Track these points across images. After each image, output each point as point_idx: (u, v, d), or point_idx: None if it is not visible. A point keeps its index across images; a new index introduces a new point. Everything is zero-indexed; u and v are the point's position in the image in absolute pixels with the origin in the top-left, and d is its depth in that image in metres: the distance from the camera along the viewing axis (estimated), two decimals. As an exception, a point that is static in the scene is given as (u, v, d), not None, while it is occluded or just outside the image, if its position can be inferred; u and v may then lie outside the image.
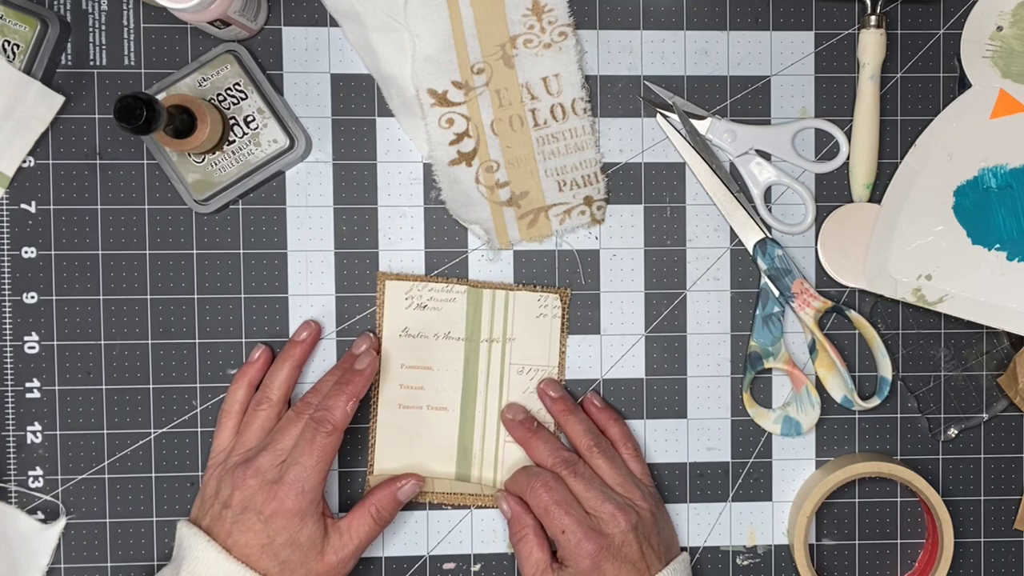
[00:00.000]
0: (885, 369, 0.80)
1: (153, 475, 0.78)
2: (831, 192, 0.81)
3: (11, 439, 0.77)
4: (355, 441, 0.79)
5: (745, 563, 0.81)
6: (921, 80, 0.81)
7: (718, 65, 0.80)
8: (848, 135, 0.80)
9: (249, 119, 0.76)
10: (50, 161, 0.77)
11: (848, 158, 0.80)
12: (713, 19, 0.80)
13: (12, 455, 0.77)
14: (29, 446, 0.77)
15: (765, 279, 0.80)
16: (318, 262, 0.79)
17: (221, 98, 0.75)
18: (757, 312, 0.80)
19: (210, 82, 0.75)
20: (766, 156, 0.80)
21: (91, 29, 0.77)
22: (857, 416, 0.81)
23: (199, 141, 0.72)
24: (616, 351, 0.80)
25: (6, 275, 0.77)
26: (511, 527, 0.76)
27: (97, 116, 0.77)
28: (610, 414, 0.79)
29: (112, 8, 0.77)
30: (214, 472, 0.74)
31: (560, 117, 0.78)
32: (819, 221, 0.80)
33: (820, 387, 0.81)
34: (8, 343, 0.77)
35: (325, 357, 0.79)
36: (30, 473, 0.77)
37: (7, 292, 0.77)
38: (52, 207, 0.77)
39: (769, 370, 0.81)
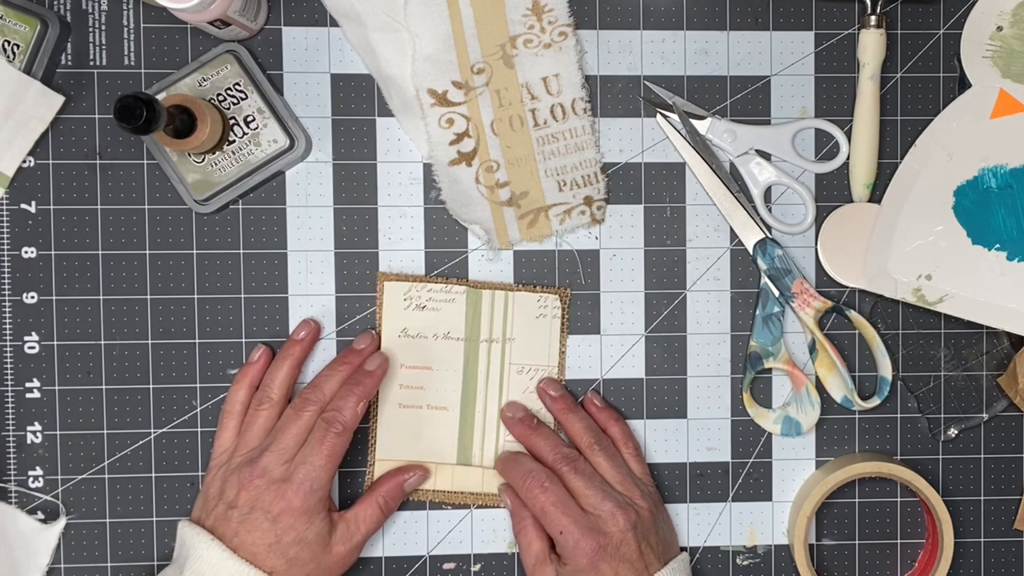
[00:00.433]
0: (885, 369, 0.80)
1: (153, 475, 0.78)
2: (831, 192, 0.81)
3: (11, 439, 0.77)
4: (355, 441, 0.79)
5: (745, 563, 0.81)
6: (921, 80, 0.81)
7: (718, 65, 0.80)
8: (848, 135, 0.80)
9: (249, 119, 0.76)
10: (50, 161, 0.77)
11: (848, 158, 0.80)
12: (713, 19, 0.80)
13: (12, 455, 0.77)
14: (29, 446, 0.77)
15: (765, 279, 0.80)
16: (318, 262, 0.79)
17: (221, 98, 0.75)
18: (757, 312, 0.80)
19: (210, 82, 0.75)
20: (766, 156, 0.80)
21: (91, 29, 0.77)
22: (857, 416, 0.81)
23: (199, 141, 0.72)
24: (616, 351, 0.80)
25: (6, 275, 0.77)
26: (511, 518, 0.77)
27: (97, 116, 0.77)
28: (610, 413, 0.79)
29: (112, 8, 0.77)
30: (217, 473, 0.74)
31: (560, 117, 0.78)
32: (819, 221, 0.80)
33: (820, 387, 0.81)
34: (8, 343, 0.77)
35: (325, 357, 0.79)
36: (30, 473, 0.77)
37: (7, 292, 0.77)
38: (52, 207, 0.77)
39: (769, 370, 0.81)
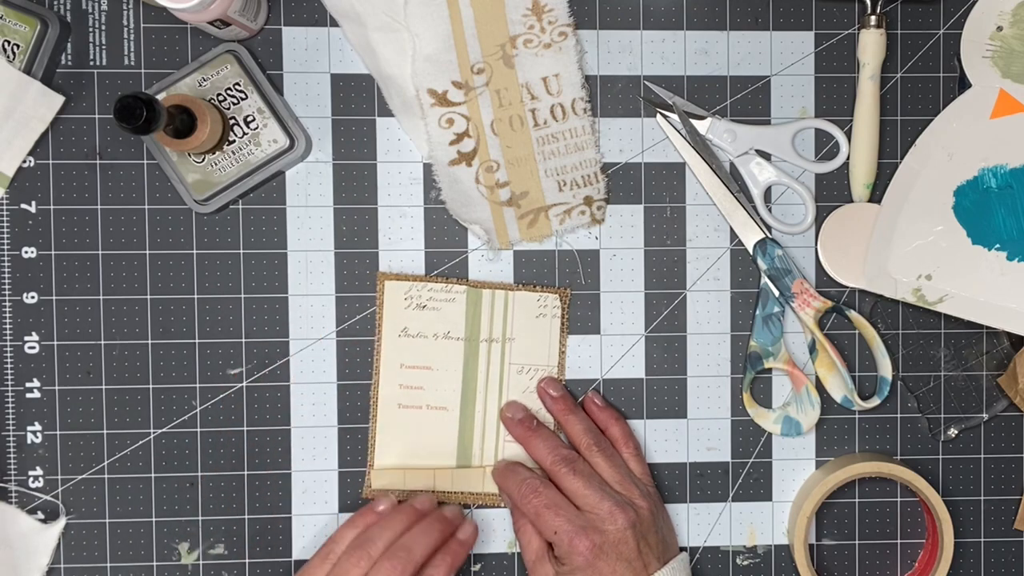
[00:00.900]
0: (885, 369, 0.80)
1: (153, 475, 0.78)
2: (831, 192, 0.81)
3: (11, 439, 0.77)
4: (355, 441, 0.79)
5: (745, 563, 0.81)
6: (921, 80, 0.81)
7: (718, 65, 0.80)
8: (848, 135, 0.80)
9: (249, 119, 0.76)
10: (50, 161, 0.77)
11: (848, 158, 0.80)
12: (713, 19, 0.80)
13: (12, 455, 0.77)
14: (29, 446, 0.77)
15: (765, 279, 0.80)
16: (318, 262, 0.79)
17: (221, 98, 0.75)
18: (757, 312, 0.80)
19: (210, 82, 0.75)
20: (766, 156, 0.80)
21: (91, 29, 0.77)
22: (857, 416, 0.81)
23: (199, 141, 0.72)
24: (616, 351, 0.80)
25: (6, 275, 0.77)
26: (512, 516, 0.77)
27: (97, 116, 0.77)
28: (611, 413, 0.79)
29: (112, 8, 0.77)
30: None
31: (560, 117, 0.78)
32: (819, 221, 0.80)
33: (820, 387, 0.81)
34: (8, 343, 0.77)
35: (325, 357, 0.79)
36: (30, 473, 0.77)
37: (7, 292, 0.77)
38: (52, 207, 0.77)
39: (769, 370, 0.81)
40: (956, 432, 0.82)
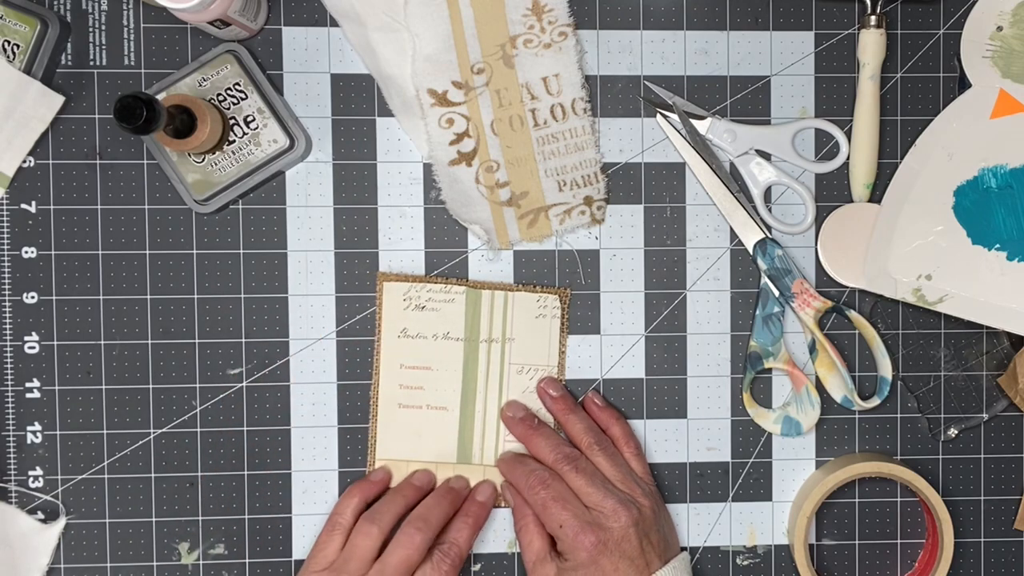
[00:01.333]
0: (885, 369, 0.80)
1: (153, 475, 0.78)
2: (831, 192, 0.81)
3: (11, 439, 0.77)
4: (355, 441, 0.79)
5: (745, 563, 0.81)
6: (921, 80, 0.81)
7: (718, 65, 0.80)
8: (848, 135, 0.80)
9: (249, 119, 0.76)
10: (50, 161, 0.77)
11: (848, 158, 0.80)
12: (713, 19, 0.80)
13: (12, 455, 0.77)
14: (29, 446, 0.77)
15: (765, 279, 0.80)
16: (318, 262, 0.79)
17: (221, 98, 0.75)
18: (757, 312, 0.80)
19: (210, 82, 0.75)
20: (766, 156, 0.80)
21: (91, 29, 0.77)
22: (857, 416, 0.81)
23: (199, 141, 0.72)
24: (616, 351, 0.80)
25: (6, 275, 0.77)
26: (513, 516, 0.77)
27: (97, 116, 0.77)
28: (611, 413, 0.79)
29: (112, 8, 0.77)
30: None
31: (560, 117, 0.78)
32: (819, 221, 0.80)
33: (820, 387, 0.81)
34: (8, 343, 0.77)
35: (325, 357, 0.79)
36: (30, 473, 0.77)
37: (7, 292, 0.77)
38: (52, 207, 0.77)
39: (769, 370, 0.81)
40: (956, 432, 0.82)
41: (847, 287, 0.80)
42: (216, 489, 0.78)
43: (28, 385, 0.77)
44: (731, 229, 0.80)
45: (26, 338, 0.77)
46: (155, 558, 0.78)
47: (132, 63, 0.77)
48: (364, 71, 0.78)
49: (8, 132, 0.75)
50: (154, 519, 0.78)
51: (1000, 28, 0.78)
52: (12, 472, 0.77)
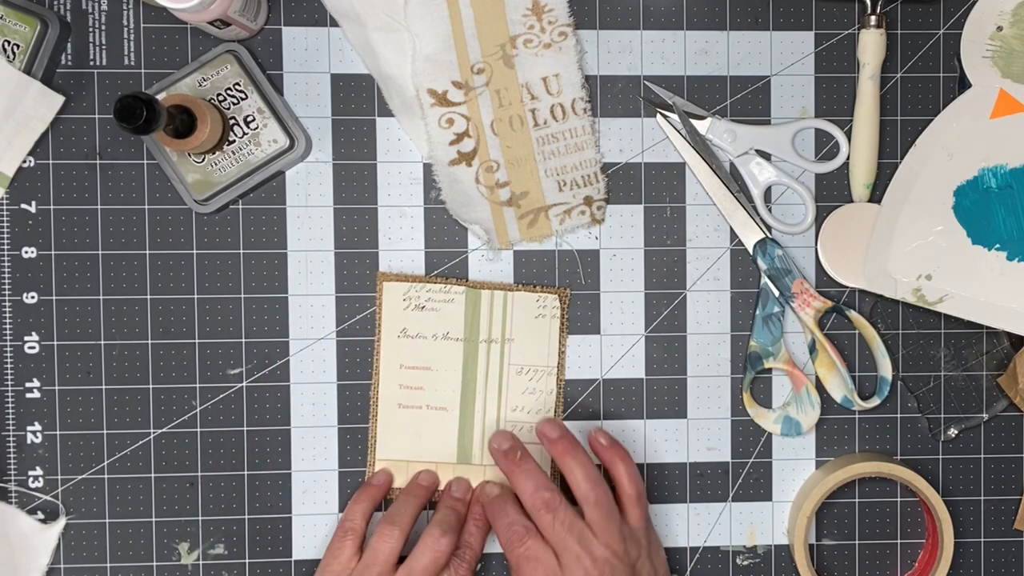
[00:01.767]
0: (885, 369, 0.80)
1: (153, 475, 0.78)
2: (831, 192, 0.81)
3: (11, 439, 0.77)
4: (355, 441, 0.79)
5: (745, 563, 0.81)
6: (921, 80, 0.81)
7: (718, 65, 0.80)
8: (848, 135, 0.80)
9: (249, 119, 0.76)
10: (50, 161, 0.77)
11: (848, 158, 0.80)
12: (713, 19, 0.80)
13: (12, 455, 0.77)
14: (29, 446, 0.77)
15: (765, 279, 0.80)
16: (318, 262, 0.79)
17: (221, 98, 0.75)
18: (757, 312, 0.80)
19: (210, 82, 0.75)
20: (766, 156, 0.80)
21: (91, 29, 0.77)
22: (857, 416, 0.81)
23: (199, 141, 0.72)
24: (616, 351, 0.80)
25: (6, 275, 0.77)
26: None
27: (97, 116, 0.77)
28: (616, 451, 0.76)
29: (112, 8, 0.77)
30: None
31: (560, 117, 0.78)
32: (819, 221, 0.80)
33: (820, 387, 0.81)
34: (8, 343, 0.77)
35: (325, 357, 0.79)
36: (30, 473, 0.77)
37: (7, 292, 0.77)
38: (52, 207, 0.77)
39: (769, 370, 0.81)
40: (956, 432, 0.82)
41: (847, 287, 0.80)
42: (216, 489, 0.78)
43: (28, 385, 0.77)
44: (731, 229, 0.80)
45: (26, 338, 0.77)
46: (155, 558, 0.78)
47: (132, 63, 0.77)
48: (364, 71, 0.78)
49: (8, 132, 0.75)
50: (154, 519, 0.78)
51: (1000, 28, 0.78)
52: (12, 472, 0.77)
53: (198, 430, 0.78)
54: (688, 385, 0.81)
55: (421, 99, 0.77)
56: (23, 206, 0.77)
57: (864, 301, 0.81)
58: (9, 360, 0.77)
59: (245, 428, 0.78)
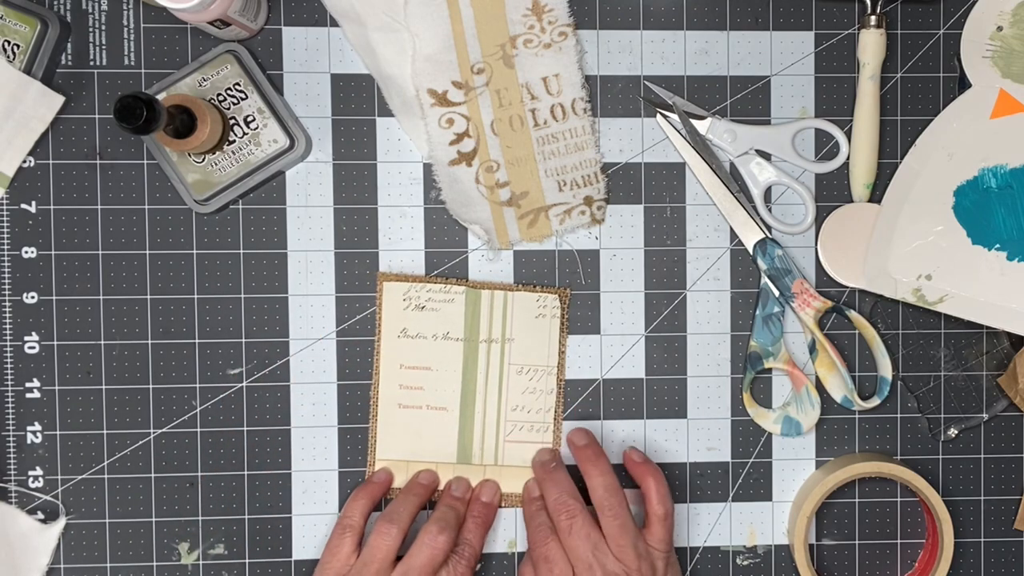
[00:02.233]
0: (885, 369, 0.80)
1: (153, 475, 0.78)
2: (831, 192, 0.81)
3: (11, 439, 0.77)
4: (355, 441, 0.79)
5: (745, 563, 0.81)
6: (921, 80, 0.81)
7: (718, 65, 0.80)
8: (848, 135, 0.80)
9: (249, 119, 0.76)
10: (50, 161, 0.77)
11: (848, 158, 0.80)
12: (713, 19, 0.80)
13: (12, 455, 0.77)
14: (29, 446, 0.77)
15: (765, 279, 0.80)
16: (318, 262, 0.79)
17: (221, 98, 0.75)
18: (757, 312, 0.80)
19: (210, 82, 0.75)
20: (766, 156, 0.80)
21: (91, 29, 0.77)
22: (857, 416, 0.81)
23: (199, 141, 0.72)
24: (616, 351, 0.80)
25: (6, 275, 0.77)
26: (527, 549, 0.78)
27: (97, 116, 0.77)
28: (649, 468, 0.77)
29: (112, 8, 0.77)
30: None
31: (560, 117, 0.78)
32: (819, 221, 0.80)
33: (820, 387, 0.81)
34: (8, 343, 0.77)
35: (325, 357, 0.79)
36: (30, 473, 0.77)
37: (7, 292, 0.77)
38: (52, 207, 0.77)
39: (769, 370, 0.81)
40: (956, 432, 0.82)
41: (847, 287, 0.80)
42: (216, 489, 0.79)
43: (28, 385, 0.77)
44: (731, 229, 0.80)
45: (26, 338, 0.77)
46: (155, 558, 0.78)
47: (132, 63, 0.77)
48: (364, 71, 0.78)
49: (8, 132, 0.75)
50: (154, 519, 0.78)
51: (1000, 28, 0.78)
52: (12, 472, 0.77)
53: (198, 430, 0.78)
54: (688, 385, 0.81)
55: (421, 99, 0.77)
56: (23, 206, 0.77)
57: (864, 301, 0.81)
58: (9, 360, 0.77)
59: (245, 428, 0.78)
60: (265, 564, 0.79)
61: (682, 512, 0.81)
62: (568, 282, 0.80)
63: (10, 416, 0.77)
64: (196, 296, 0.78)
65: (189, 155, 0.75)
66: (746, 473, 0.81)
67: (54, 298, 0.77)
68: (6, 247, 0.77)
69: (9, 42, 0.74)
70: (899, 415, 0.81)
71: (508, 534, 0.80)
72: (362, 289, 0.79)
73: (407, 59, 0.77)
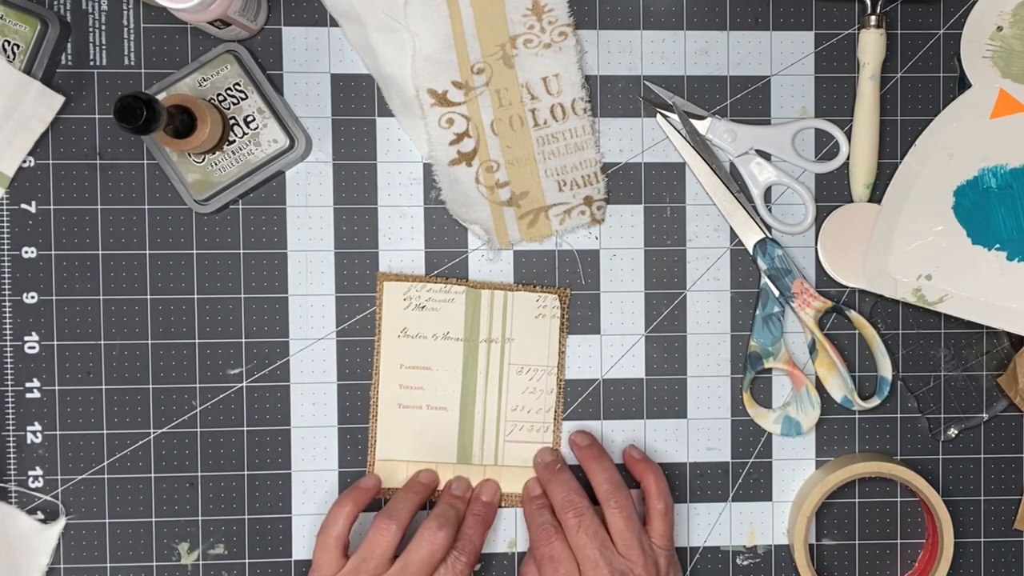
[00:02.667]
0: (885, 369, 0.80)
1: (153, 475, 0.78)
2: (831, 192, 0.81)
3: (11, 439, 0.77)
4: (355, 441, 0.79)
5: (745, 563, 0.81)
6: (921, 80, 0.81)
7: (718, 65, 0.80)
8: (848, 135, 0.80)
9: (249, 119, 0.76)
10: (50, 161, 0.77)
11: (848, 158, 0.80)
12: (713, 19, 0.80)
13: (12, 455, 0.77)
14: (29, 446, 0.77)
15: (765, 279, 0.80)
16: (318, 262, 0.79)
17: (221, 98, 0.75)
18: (757, 312, 0.80)
19: (210, 82, 0.75)
20: (766, 156, 0.80)
21: (91, 29, 0.77)
22: (857, 416, 0.81)
23: (199, 141, 0.72)
24: (616, 351, 0.80)
25: (6, 275, 0.77)
26: (528, 550, 0.77)
27: (97, 116, 0.77)
28: (648, 465, 0.77)
29: (112, 8, 0.77)
30: None
31: (560, 117, 0.78)
32: (819, 221, 0.80)
33: (820, 387, 0.81)
34: (8, 343, 0.77)
35: (325, 357, 0.79)
36: (30, 473, 0.77)
37: (7, 292, 0.77)
38: (52, 207, 0.77)
39: (769, 370, 0.81)
40: (956, 432, 0.82)
41: (847, 287, 0.80)
42: (216, 489, 0.79)
43: (28, 385, 0.77)
44: (731, 229, 0.80)
45: (26, 338, 0.77)
46: (155, 558, 0.78)
47: (132, 63, 0.77)
48: (364, 71, 0.79)
49: (8, 132, 0.75)
50: (154, 519, 0.78)
51: (1000, 28, 0.78)
52: (12, 472, 0.77)
53: (198, 430, 0.78)
54: (688, 385, 0.81)
55: (421, 99, 0.77)
56: (23, 206, 0.77)
57: (864, 301, 0.81)
58: (9, 360, 0.77)
59: (245, 428, 0.78)
60: (265, 564, 0.79)
61: (682, 512, 0.81)
62: (568, 282, 0.80)
63: (10, 416, 0.77)
64: (196, 296, 0.78)
65: (189, 155, 0.75)
66: (746, 473, 0.81)
67: (54, 298, 0.77)
68: (6, 247, 0.77)
69: (9, 42, 0.74)
70: (899, 415, 0.81)
71: (508, 534, 0.80)
72: (362, 289, 0.79)
73: (407, 59, 0.77)
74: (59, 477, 0.78)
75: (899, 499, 0.82)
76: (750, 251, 0.80)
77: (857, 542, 0.82)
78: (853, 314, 0.80)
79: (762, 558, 0.81)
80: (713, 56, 0.80)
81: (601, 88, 0.80)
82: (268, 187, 0.78)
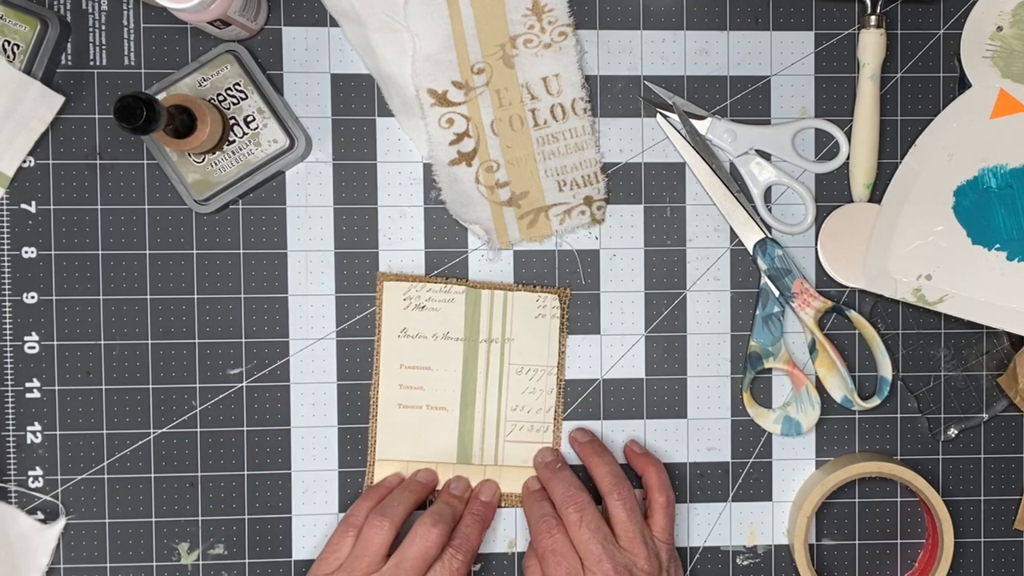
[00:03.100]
0: (885, 369, 0.80)
1: (152, 475, 0.78)
2: (831, 192, 0.81)
3: (11, 439, 0.77)
4: (355, 441, 0.79)
5: (745, 563, 0.81)
6: (921, 80, 0.81)
7: (718, 65, 0.80)
8: (848, 135, 0.80)
9: (249, 119, 0.76)
10: (50, 161, 0.77)
11: (848, 158, 0.80)
12: (713, 19, 0.80)
13: (12, 455, 0.77)
14: (29, 446, 0.77)
15: (765, 279, 0.80)
16: (318, 262, 0.79)
17: (221, 98, 0.75)
18: (757, 312, 0.80)
19: (210, 82, 0.75)
20: (766, 156, 0.80)
21: (91, 29, 0.77)
22: (857, 416, 0.81)
23: (199, 141, 0.72)
24: (616, 351, 0.80)
25: (6, 275, 0.77)
26: (528, 548, 0.77)
27: (97, 116, 0.77)
28: (649, 459, 0.78)
29: (112, 8, 0.77)
30: None
31: (560, 117, 0.78)
32: (819, 221, 0.80)
33: (820, 387, 0.81)
34: (8, 343, 0.77)
35: (325, 357, 0.79)
36: (30, 473, 0.77)
37: (7, 292, 0.77)
38: (52, 207, 0.77)
39: (769, 370, 0.81)
40: (956, 432, 0.82)
41: (847, 287, 0.80)
42: (216, 489, 0.79)
43: (28, 385, 0.77)
44: (731, 229, 0.80)
45: (26, 338, 0.77)
46: (155, 558, 0.78)
47: (132, 63, 0.77)
48: (364, 71, 0.79)
49: (8, 132, 0.75)
50: (154, 519, 0.78)
51: (1000, 28, 0.78)
52: (12, 472, 0.77)
53: (198, 430, 0.78)
54: (688, 385, 0.81)
55: (421, 99, 0.77)
56: (23, 206, 0.77)
57: (864, 301, 0.81)
58: (9, 360, 0.77)
59: (245, 428, 0.78)
60: (265, 564, 0.79)
61: (682, 512, 0.81)
62: (568, 282, 0.80)
63: (10, 416, 0.77)
64: (196, 296, 0.78)
65: (189, 155, 0.75)
66: (746, 473, 0.81)
67: (54, 298, 0.77)
68: (6, 247, 0.77)
69: (9, 42, 0.74)
70: (899, 415, 0.81)
71: (508, 534, 0.80)
72: (362, 289, 0.79)
73: (407, 59, 0.77)
74: (59, 477, 0.78)
75: (899, 499, 0.82)
76: (750, 251, 0.80)
77: (857, 542, 0.82)
78: (853, 314, 0.80)
79: (762, 558, 0.81)
80: (713, 56, 0.80)
81: (601, 88, 0.80)
82: (268, 187, 0.78)
